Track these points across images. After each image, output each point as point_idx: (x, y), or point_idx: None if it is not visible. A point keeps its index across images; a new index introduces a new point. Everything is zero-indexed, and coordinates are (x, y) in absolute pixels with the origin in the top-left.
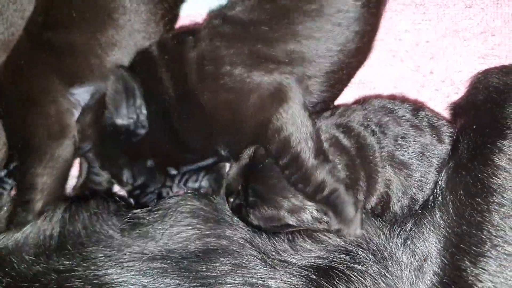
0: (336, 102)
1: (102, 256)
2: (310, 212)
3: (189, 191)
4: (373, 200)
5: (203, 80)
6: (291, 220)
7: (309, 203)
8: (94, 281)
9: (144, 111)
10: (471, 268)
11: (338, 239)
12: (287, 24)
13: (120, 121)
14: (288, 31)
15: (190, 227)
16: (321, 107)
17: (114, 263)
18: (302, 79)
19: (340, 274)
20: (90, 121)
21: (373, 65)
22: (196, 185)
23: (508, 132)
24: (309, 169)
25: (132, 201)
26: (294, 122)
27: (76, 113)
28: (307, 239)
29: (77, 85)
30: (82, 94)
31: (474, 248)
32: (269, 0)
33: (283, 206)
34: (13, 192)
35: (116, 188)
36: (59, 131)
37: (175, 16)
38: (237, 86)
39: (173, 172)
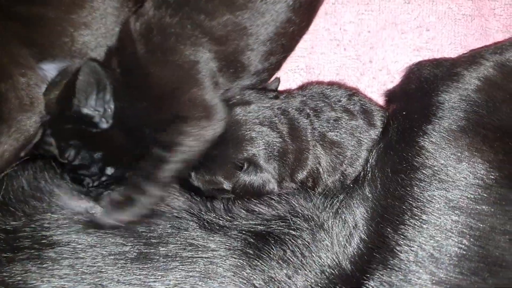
0: (284, 86)
1: (48, 216)
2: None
3: None
4: (303, 174)
5: (151, 51)
6: (226, 185)
7: (238, 171)
8: (43, 241)
9: (112, 107)
10: (392, 234)
11: (271, 210)
12: None
13: (86, 111)
14: (224, 2)
15: None
16: (259, 79)
17: (60, 223)
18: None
19: (276, 237)
20: (54, 98)
21: (319, 52)
22: (104, 190)
23: (433, 118)
24: (156, 177)
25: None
26: (195, 141)
27: (43, 88)
28: (241, 209)
29: (46, 60)
30: (50, 70)
31: (396, 218)
32: None
33: (219, 172)
34: None
35: None
36: (29, 104)
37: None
38: (184, 68)
39: (109, 172)
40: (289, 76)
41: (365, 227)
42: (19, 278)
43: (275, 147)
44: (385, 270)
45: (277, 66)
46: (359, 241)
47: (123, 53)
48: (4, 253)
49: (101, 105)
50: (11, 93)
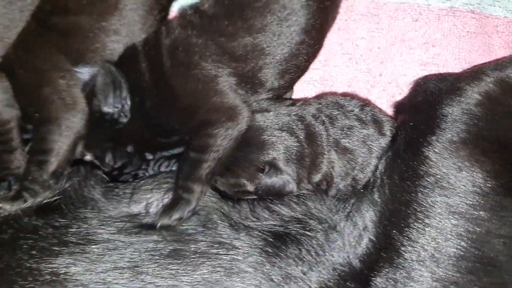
0: (299, 96)
1: (90, 217)
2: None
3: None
4: (318, 176)
5: (176, 65)
6: (250, 187)
7: (260, 174)
8: (87, 237)
9: (129, 102)
10: (398, 236)
11: (290, 211)
12: (242, 19)
13: (106, 109)
14: (243, 25)
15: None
16: (274, 94)
17: (100, 223)
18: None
19: (292, 238)
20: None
21: (332, 65)
22: (168, 169)
23: (437, 130)
24: (196, 175)
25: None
26: (223, 141)
27: (80, 88)
28: (265, 210)
29: (80, 64)
30: (84, 74)
31: (402, 221)
32: None
33: (242, 175)
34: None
35: None
36: (73, 103)
37: (167, 13)
38: (205, 81)
39: (149, 157)
40: (304, 87)
41: (374, 229)
42: (66, 270)
43: (293, 151)
44: (390, 268)
45: (291, 84)
46: (368, 242)
47: (153, 60)
48: (54, 246)
49: (119, 102)
50: (54, 95)
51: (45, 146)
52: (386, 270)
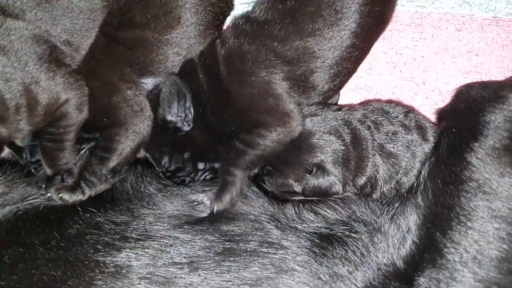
0: (344, 103)
1: (146, 213)
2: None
3: None
4: (363, 179)
5: (232, 73)
6: (297, 187)
7: (308, 174)
8: (146, 233)
9: (192, 112)
10: (441, 238)
11: (335, 214)
12: (293, 24)
13: (170, 117)
14: (294, 30)
15: None
16: (324, 97)
17: (156, 220)
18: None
19: (338, 239)
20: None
21: (377, 73)
22: (208, 179)
23: (479, 136)
24: (241, 165)
25: None
26: (273, 142)
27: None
28: (310, 212)
29: (146, 76)
30: (149, 84)
31: (445, 224)
32: (280, 1)
33: (291, 176)
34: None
35: None
36: (140, 110)
37: (222, 28)
38: (261, 86)
39: (201, 166)
40: (349, 94)
41: (417, 232)
42: (128, 263)
43: (340, 153)
44: (433, 269)
45: (340, 87)
46: (411, 244)
47: (210, 70)
48: (115, 241)
49: (183, 111)
50: (123, 103)
51: (110, 145)
52: (430, 270)
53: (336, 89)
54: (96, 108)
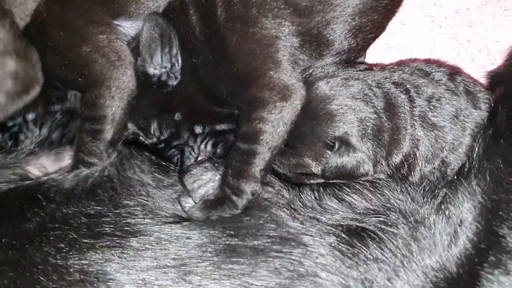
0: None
1: (135, 204)
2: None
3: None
4: (398, 157)
5: (231, 19)
6: (315, 168)
7: (328, 151)
8: (125, 228)
9: (180, 60)
10: (509, 233)
11: (363, 201)
12: None
13: (152, 70)
14: None
15: None
16: (342, 60)
17: (145, 211)
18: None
19: (372, 234)
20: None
21: (411, 29)
22: (213, 150)
23: None
24: (248, 172)
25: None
26: (277, 125)
27: (124, 42)
28: (333, 198)
29: (121, 17)
30: (127, 28)
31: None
32: None
33: (307, 154)
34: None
35: None
36: (117, 59)
37: None
38: (264, 44)
39: (198, 130)
40: (376, 54)
41: (473, 225)
42: (99, 267)
43: (369, 123)
44: (500, 275)
45: (364, 46)
46: (466, 241)
47: (205, 12)
48: (85, 239)
49: (168, 61)
50: (95, 54)
51: (97, 113)
52: (494, 277)
53: (358, 49)
54: (64, 64)
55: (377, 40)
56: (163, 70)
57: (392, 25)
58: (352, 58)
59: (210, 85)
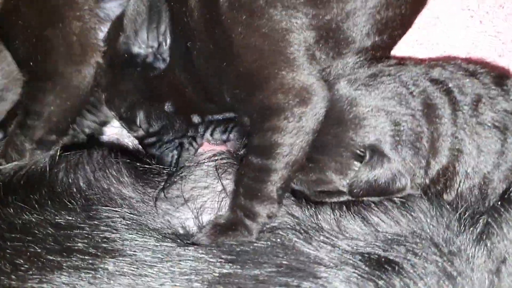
0: None
1: (117, 217)
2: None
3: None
4: (435, 170)
5: (236, 9)
6: (341, 183)
7: (357, 163)
8: (102, 245)
9: (168, 40)
10: None
11: (393, 224)
12: None
13: (137, 49)
14: None
15: None
16: (365, 58)
17: (127, 227)
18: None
19: (397, 268)
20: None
21: (445, 24)
22: (224, 137)
23: None
24: (262, 192)
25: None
26: (296, 136)
27: (105, 30)
28: (356, 219)
29: None
30: (113, 8)
31: None
32: None
33: (330, 167)
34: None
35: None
36: (80, 54)
37: None
38: (274, 39)
39: (196, 120)
40: (404, 51)
41: None
42: None
43: (404, 128)
44: None
45: (390, 44)
46: (511, 282)
47: None
48: (51, 255)
49: (155, 38)
50: (59, 41)
51: (34, 107)
52: None
53: (384, 47)
54: (22, 39)
55: (406, 36)
56: (149, 50)
57: (424, 18)
58: (377, 57)
59: (205, 78)
